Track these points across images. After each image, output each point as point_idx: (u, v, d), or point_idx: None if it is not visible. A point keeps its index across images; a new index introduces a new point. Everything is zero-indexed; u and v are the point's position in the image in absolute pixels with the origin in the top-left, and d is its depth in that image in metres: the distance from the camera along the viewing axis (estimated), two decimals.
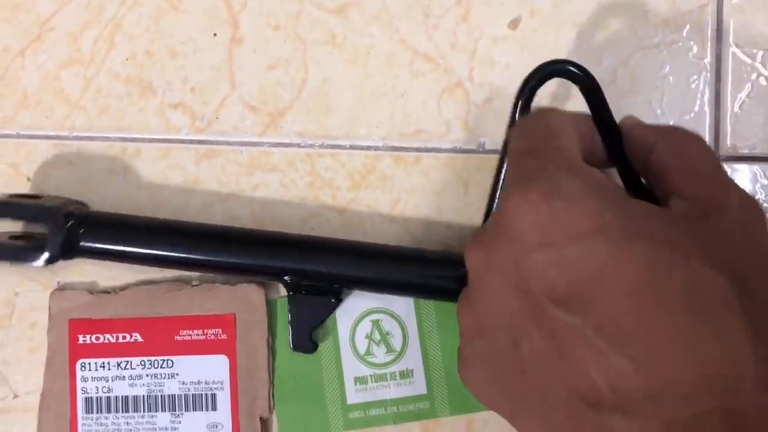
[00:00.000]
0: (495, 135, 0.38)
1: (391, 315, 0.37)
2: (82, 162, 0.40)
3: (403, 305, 0.37)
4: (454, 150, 0.38)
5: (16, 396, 0.39)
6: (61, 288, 0.39)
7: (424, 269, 0.35)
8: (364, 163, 0.38)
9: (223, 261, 0.36)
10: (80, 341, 0.38)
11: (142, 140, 0.39)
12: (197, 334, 0.38)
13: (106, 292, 0.39)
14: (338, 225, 0.38)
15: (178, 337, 0.38)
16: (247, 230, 0.37)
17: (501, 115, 0.38)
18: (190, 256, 0.36)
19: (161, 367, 0.38)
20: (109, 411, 0.38)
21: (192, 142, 0.39)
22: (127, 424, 0.38)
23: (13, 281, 0.39)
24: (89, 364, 0.38)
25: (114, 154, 0.39)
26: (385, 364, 0.37)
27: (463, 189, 0.38)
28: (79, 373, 0.38)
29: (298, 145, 0.39)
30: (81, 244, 0.36)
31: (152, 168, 0.39)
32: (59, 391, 0.38)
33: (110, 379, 0.38)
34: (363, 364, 0.37)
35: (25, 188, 0.40)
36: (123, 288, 0.39)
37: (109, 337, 0.38)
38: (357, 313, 0.37)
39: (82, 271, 0.39)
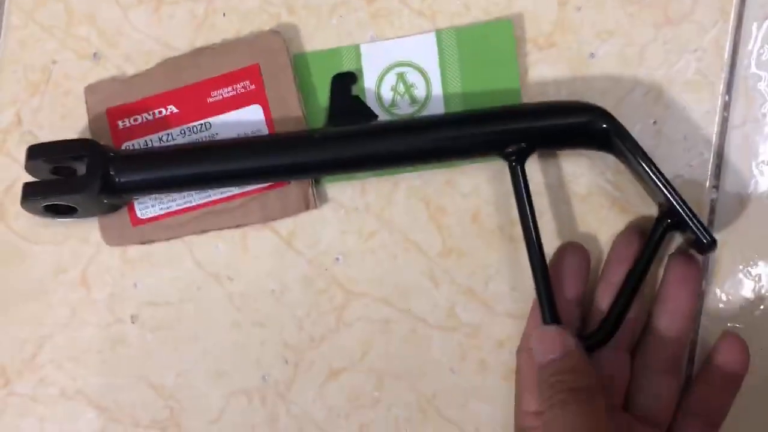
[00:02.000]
0: None
1: (416, 67, 0.38)
2: None
3: (427, 58, 0.38)
4: None
5: None
6: (96, 82, 0.40)
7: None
8: None
9: (259, 166, 0.37)
10: (120, 126, 0.40)
11: None
12: (227, 92, 0.39)
13: (136, 76, 0.40)
14: (366, 15, 0.39)
15: (210, 99, 0.39)
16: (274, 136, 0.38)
17: None
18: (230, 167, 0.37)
19: (200, 131, 0.39)
20: None
21: None
22: (180, 192, 0.39)
23: (51, 49, 0.41)
24: (132, 145, 0.40)
25: None
26: (409, 115, 0.38)
27: None
28: None
29: None
30: (119, 179, 0.37)
31: None
32: None
33: None
34: (387, 115, 0.38)
35: None
36: (150, 69, 0.40)
37: (147, 116, 0.40)
38: (382, 66, 0.38)
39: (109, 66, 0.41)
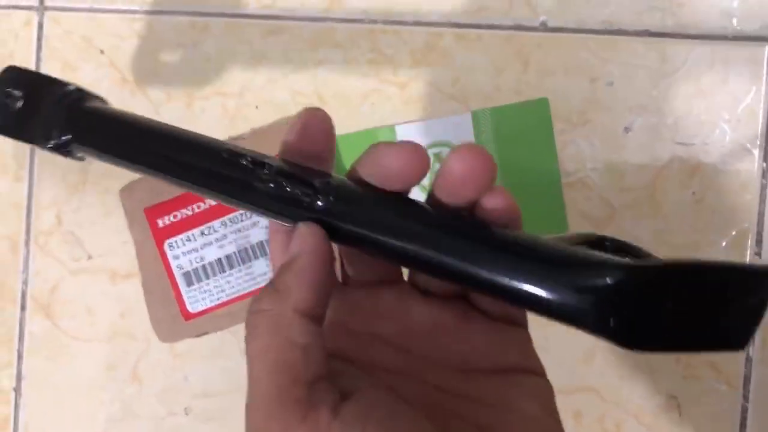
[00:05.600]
0: (556, 13, 0.38)
1: (453, 147, 0.38)
2: (151, 35, 0.41)
3: (464, 138, 0.38)
4: (516, 27, 0.38)
5: (90, 257, 0.41)
6: (129, 183, 0.41)
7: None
8: (426, 40, 0.39)
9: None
10: (160, 225, 0.40)
11: (210, 14, 0.40)
12: None
13: None
14: (399, 101, 0.39)
15: None
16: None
17: None
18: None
19: (241, 220, 0.40)
20: (207, 277, 0.40)
21: (259, 17, 0.40)
22: (228, 282, 0.40)
23: None
24: (176, 242, 0.40)
25: (182, 29, 0.41)
26: None
27: (522, 67, 0.38)
28: (169, 253, 0.40)
29: (362, 21, 0.39)
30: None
31: (219, 43, 0.40)
32: (157, 276, 0.40)
33: (199, 249, 0.40)
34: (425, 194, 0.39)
35: (98, 60, 0.41)
36: None
37: (185, 211, 0.40)
38: None
39: None
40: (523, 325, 0.24)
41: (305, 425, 0.19)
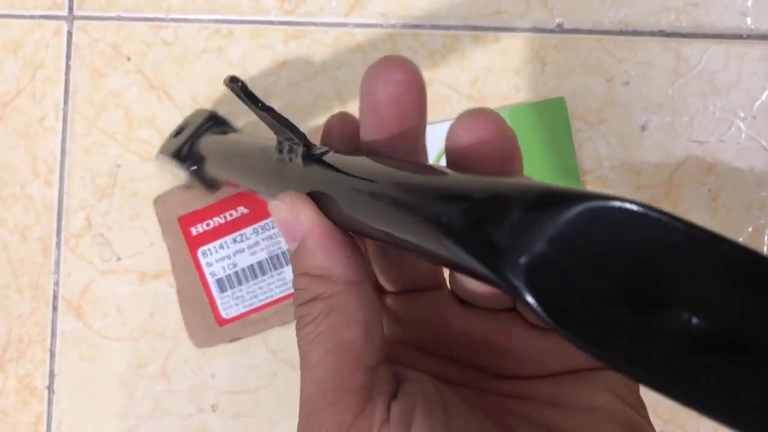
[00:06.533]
0: (573, 15, 0.39)
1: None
2: (178, 42, 0.42)
3: None
4: (533, 29, 0.39)
5: (119, 259, 0.43)
6: (162, 193, 0.42)
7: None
8: (444, 42, 0.40)
9: None
10: (194, 233, 0.41)
11: (234, 22, 0.42)
12: None
13: None
14: None
15: None
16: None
17: None
18: None
19: (272, 227, 0.41)
20: (240, 283, 0.41)
21: (280, 23, 0.41)
22: (260, 288, 0.41)
23: (115, 153, 0.43)
24: (209, 249, 0.41)
25: (207, 35, 0.42)
26: None
27: (540, 67, 0.39)
28: (202, 261, 0.41)
29: (381, 26, 0.40)
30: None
31: (243, 48, 0.42)
32: (191, 283, 0.41)
33: (232, 255, 0.41)
34: None
35: (126, 67, 0.42)
36: None
37: (218, 219, 0.41)
38: (437, 150, 0.39)
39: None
40: None
41: (359, 422, 0.17)
